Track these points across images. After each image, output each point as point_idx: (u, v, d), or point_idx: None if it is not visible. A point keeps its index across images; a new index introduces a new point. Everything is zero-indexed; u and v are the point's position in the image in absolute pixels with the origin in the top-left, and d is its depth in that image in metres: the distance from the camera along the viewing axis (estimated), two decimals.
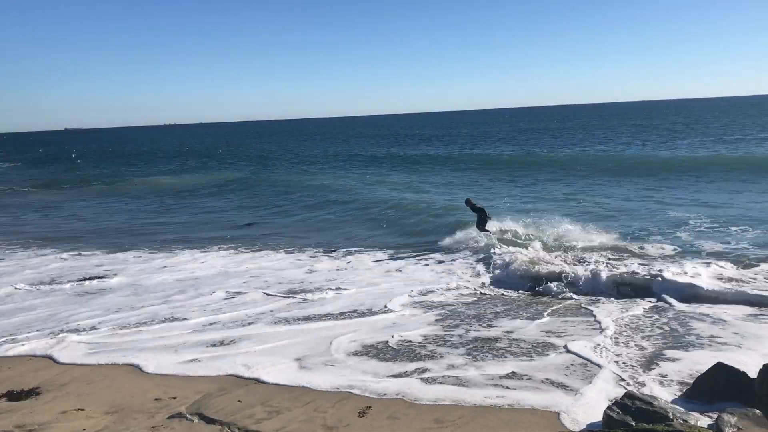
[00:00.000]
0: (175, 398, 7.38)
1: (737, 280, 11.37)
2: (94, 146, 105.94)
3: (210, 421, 6.74)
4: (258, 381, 7.87)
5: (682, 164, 32.61)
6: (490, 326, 9.75)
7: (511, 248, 14.51)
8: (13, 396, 7.51)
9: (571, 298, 11.25)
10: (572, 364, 8.02)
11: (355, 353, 8.75)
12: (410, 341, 9.16)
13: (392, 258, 15.26)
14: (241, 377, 8.02)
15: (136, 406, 7.19)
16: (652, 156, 38.76)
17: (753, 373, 6.58)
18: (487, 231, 15.82)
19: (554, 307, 10.74)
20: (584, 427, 6.34)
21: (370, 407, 6.94)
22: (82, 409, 7.08)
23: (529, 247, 14.50)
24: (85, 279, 14.08)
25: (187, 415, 6.89)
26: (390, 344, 9.07)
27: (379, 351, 8.81)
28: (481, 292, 12.01)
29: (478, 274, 13.30)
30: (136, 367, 8.50)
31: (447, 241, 16.32)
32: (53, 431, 6.56)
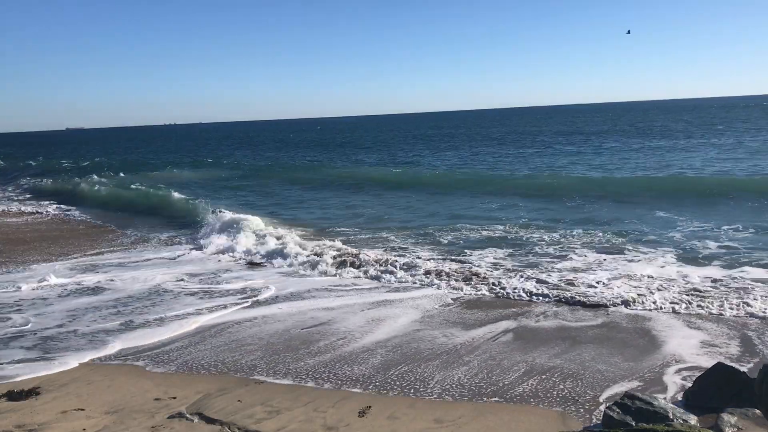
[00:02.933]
0: (175, 398, 7.38)
1: None
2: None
3: (210, 421, 6.74)
4: None
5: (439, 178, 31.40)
6: None
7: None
8: (13, 396, 7.49)
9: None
10: None
11: None
12: None
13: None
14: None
15: (136, 406, 7.19)
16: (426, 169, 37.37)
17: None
18: None
19: None
20: (584, 427, 6.34)
21: (370, 407, 6.94)
22: (82, 409, 7.08)
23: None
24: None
25: (187, 415, 6.89)
26: None
27: None
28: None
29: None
30: (139, 366, 8.53)
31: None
32: (53, 431, 6.57)
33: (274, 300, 11.66)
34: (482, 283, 11.88)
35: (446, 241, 16.16)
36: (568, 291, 11.12)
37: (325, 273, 13.47)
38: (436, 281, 12.28)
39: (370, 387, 7.61)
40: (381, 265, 13.43)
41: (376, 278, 12.79)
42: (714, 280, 11.38)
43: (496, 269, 12.93)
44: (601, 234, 15.83)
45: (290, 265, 14.31)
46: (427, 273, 12.74)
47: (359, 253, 14.45)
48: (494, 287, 11.64)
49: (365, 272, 13.19)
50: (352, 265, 13.67)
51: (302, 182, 33.42)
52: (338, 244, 15.76)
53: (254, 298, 11.75)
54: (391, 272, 12.89)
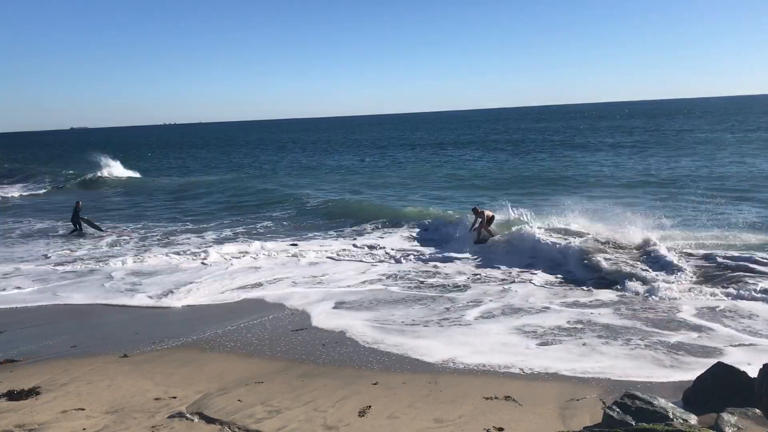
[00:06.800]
0: (175, 398, 7.38)
1: None
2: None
3: (210, 420, 6.73)
4: None
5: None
6: None
7: None
8: (13, 396, 7.49)
9: None
10: None
11: None
12: None
13: None
14: None
15: (136, 405, 7.18)
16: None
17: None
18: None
19: None
20: (584, 427, 6.33)
21: (370, 407, 6.94)
22: (82, 409, 7.07)
23: None
24: None
25: (187, 415, 6.88)
26: None
27: None
28: None
29: None
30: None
31: None
32: (53, 431, 6.55)
33: None
34: None
35: None
36: None
37: None
38: None
39: None
40: None
41: None
42: None
43: None
44: None
45: None
46: None
47: None
48: None
49: None
50: None
51: None
52: None
53: None
54: None
